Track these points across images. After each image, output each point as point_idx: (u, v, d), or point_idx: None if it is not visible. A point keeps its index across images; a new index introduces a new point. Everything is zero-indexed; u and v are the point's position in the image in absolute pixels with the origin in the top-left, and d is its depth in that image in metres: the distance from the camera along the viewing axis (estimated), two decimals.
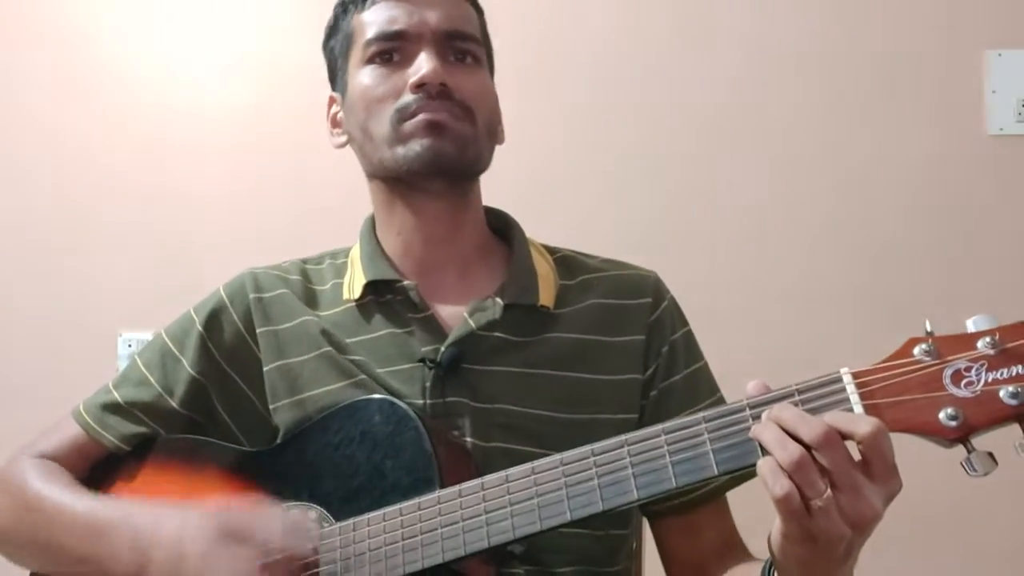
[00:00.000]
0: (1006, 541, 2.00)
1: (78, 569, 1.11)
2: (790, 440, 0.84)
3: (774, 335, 2.05)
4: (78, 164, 2.19)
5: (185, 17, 2.21)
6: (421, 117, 1.12)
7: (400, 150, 1.14)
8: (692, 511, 1.18)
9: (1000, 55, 2.08)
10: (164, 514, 1.06)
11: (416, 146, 1.13)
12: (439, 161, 1.13)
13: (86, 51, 2.21)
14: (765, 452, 0.86)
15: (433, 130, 1.12)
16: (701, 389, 1.21)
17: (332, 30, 1.24)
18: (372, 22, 1.18)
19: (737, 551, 1.18)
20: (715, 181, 2.11)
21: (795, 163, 2.11)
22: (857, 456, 0.85)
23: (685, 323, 1.25)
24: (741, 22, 2.14)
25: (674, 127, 2.12)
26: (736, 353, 1.93)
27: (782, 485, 0.83)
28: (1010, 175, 2.08)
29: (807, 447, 0.83)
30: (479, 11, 1.25)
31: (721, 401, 1.21)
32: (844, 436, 0.84)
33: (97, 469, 1.21)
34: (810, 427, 0.84)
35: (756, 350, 2.00)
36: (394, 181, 1.18)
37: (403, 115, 1.14)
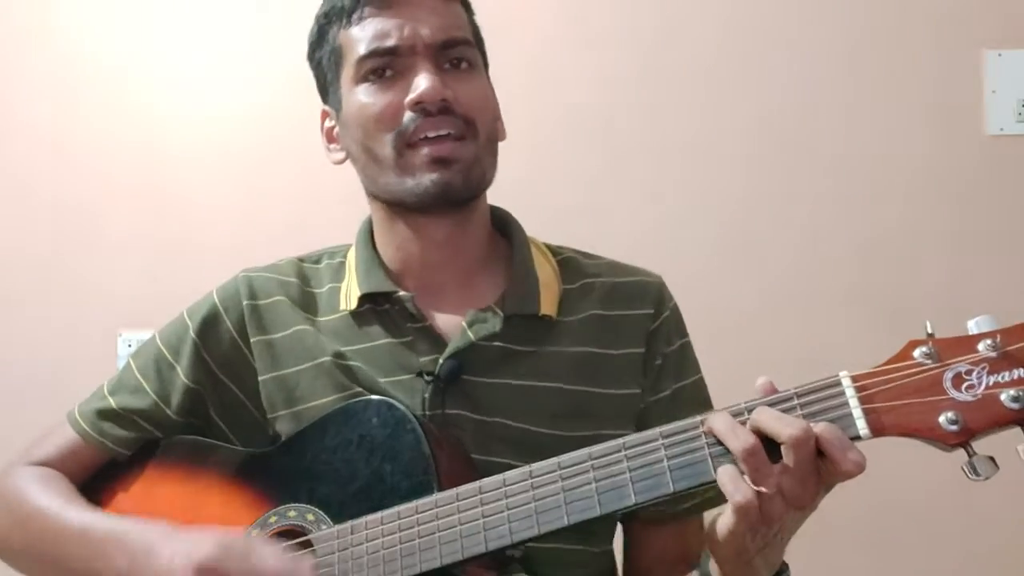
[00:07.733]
0: (1006, 542, 2.01)
1: None
2: (741, 427, 0.87)
3: (771, 335, 2.05)
4: (78, 165, 2.18)
5: (185, 19, 2.21)
6: (426, 152, 1.10)
7: (409, 182, 1.11)
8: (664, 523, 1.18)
9: (1000, 55, 2.08)
10: (157, 541, 1.06)
11: (425, 180, 1.10)
12: (448, 194, 1.11)
13: (86, 53, 2.20)
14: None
15: (439, 164, 1.10)
16: (684, 407, 1.14)
17: (317, 43, 1.19)
18: (362, 39, 1.13)
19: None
20: (712, 180, 2.11)
21: (795, 162, 2.11)
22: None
23: (683, 334, 1.22)
24: (739, 19, 2.13)
25: (669, 126, 2.12)
26: (732, 353, 1.95)
27: (744, 492, 0.86)
28: (1010, 175, 2.07)
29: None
30: (468, 8, 1.20)
31: None
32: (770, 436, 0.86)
33: (97, 472, 1.21)
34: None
35: (753, 351, 2.00)
36: (398, 204, 1.16)
37: (404, 138, 1.11)
